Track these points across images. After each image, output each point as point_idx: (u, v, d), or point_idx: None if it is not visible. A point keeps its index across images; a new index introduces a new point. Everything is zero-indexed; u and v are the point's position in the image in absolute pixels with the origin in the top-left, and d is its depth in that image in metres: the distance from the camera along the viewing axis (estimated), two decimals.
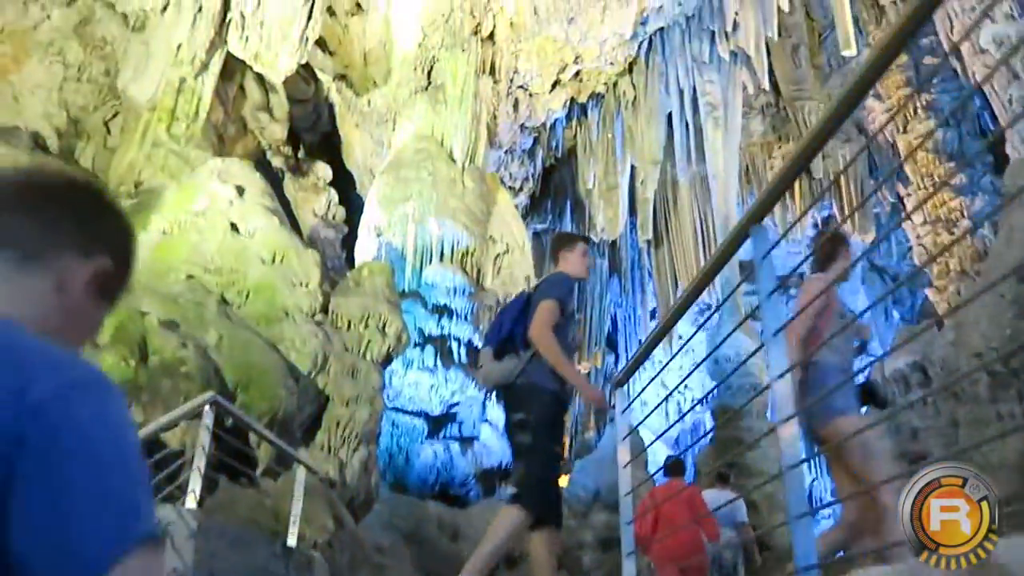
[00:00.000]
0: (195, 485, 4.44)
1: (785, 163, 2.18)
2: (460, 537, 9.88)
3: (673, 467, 6.16)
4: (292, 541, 5.41)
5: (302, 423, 7.17)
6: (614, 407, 3.85)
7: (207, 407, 4.63)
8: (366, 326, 7.66)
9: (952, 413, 9.00)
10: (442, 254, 10.81)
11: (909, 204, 17.63)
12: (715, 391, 13.19)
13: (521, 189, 16.16)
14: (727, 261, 2.57)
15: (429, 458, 10.16)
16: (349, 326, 7.63)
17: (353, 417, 7.24)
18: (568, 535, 10.32)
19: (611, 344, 19.93)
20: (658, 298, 19.81)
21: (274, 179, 13.09)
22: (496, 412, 10.71)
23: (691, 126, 14.70)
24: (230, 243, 7.34)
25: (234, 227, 7.54)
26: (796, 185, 19.25)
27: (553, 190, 18.00)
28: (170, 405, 5.75)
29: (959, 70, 17.63)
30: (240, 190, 7.84)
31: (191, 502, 4.45)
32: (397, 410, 10.35)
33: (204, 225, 7.39)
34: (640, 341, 20.81)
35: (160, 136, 9.13)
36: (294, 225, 12.97)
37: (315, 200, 13.42)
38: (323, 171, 13.29)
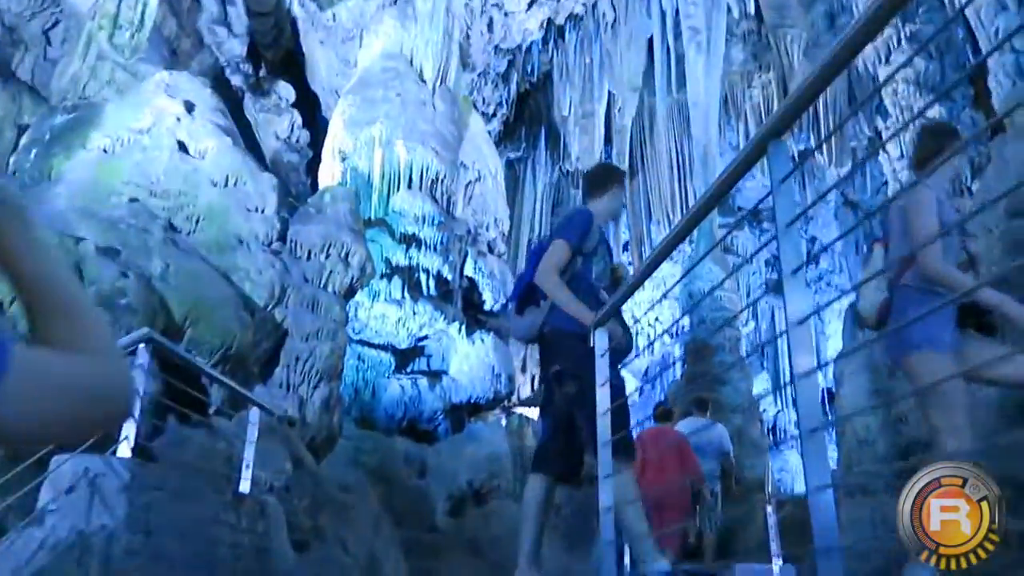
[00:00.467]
0: (128, 431, 3.93)
1: (821, 63, 1.69)
2: (427, 472, 9.53)
3: (661, 414, 6.19)
4: (245, 487, 4.94)
5: (258, 359, 6.66)
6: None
7: (142, 346, 4.09)
8: (327, 256, 7.09)
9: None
10: (410, 180, 10.18)
11: (887, 138, 17.17)
12: (689, 324, 12.83)
13: (494, 115, 15.42)
14: (736, 182, 2.15)
15: (396, 393, 9.72)
16: (309, 255, 7.05)
17: (314, 352, 6.73)
18: None
19: None
20: (631, 230, 19.36)
21: (233, 98, 12.26)
22: (465, 345, 10.27)
23: (672, 51, 13.98)
24: (178, 164, 6.67)
25: (182, 146, 6.85)
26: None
27: (527, 117, 17.26)
28: None
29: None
30: (189, 106, 7.12)
31: (124, 450, 3.94)
32: (363, 343, 9.85)
33: (149, 144, 6.70)
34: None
35: (104, 48, 8.30)
36: (254, 147, 12.21)
37: (277, 122, 12.62)
38: (286, 91, 12.47)
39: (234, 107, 12.22)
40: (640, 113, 17.17)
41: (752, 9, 14.44)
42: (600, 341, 3.27)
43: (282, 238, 7.10)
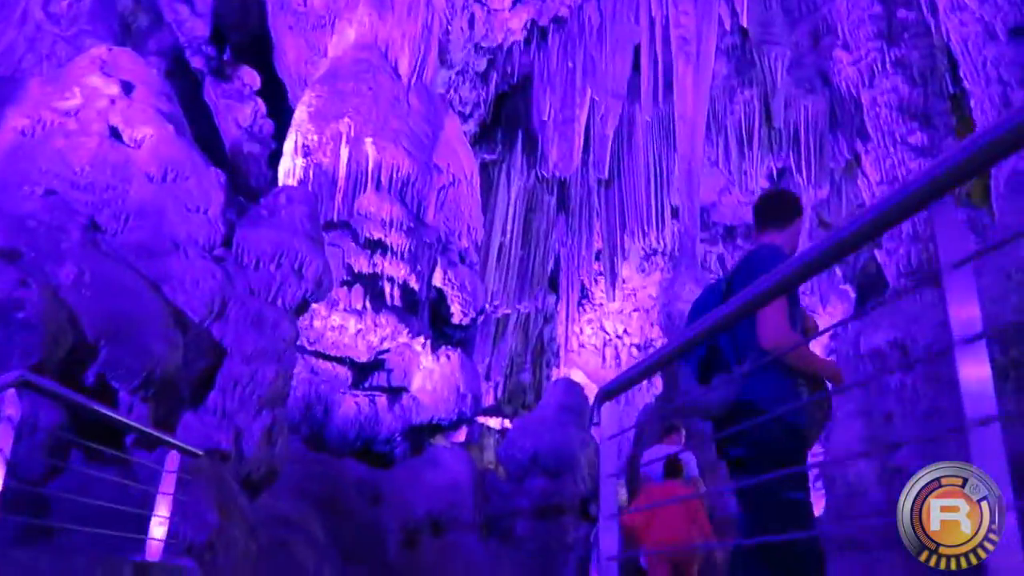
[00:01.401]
0: None
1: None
2: (381, 501, 8.57)
3: (672, 468, 5.51)
4: (155, 550, 3.96)
5: (191, 381, 5.66)
6: (597, 423, 2.91)
7: (11, 391, 3.09)
8: (278, 265, 6.09)
9: (934, 400, 7.95)
10: (379, 181, 9.19)
11: (867, 161, 16.54)
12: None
13: (470, 115, 14.46)
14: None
15: (351, 411, 8.73)
16: (257, 265, 6.05)
17: (255, 376, 5.74)
18: (501, 501, 9.11)
19: (553, 285, 18.62)
20: (604, 240, 18.52)
21: (192, 82, 11.16)
22: (429, 361, 9.31)
23: (660, 61, 13.14)
24: (108, 153, 5.62)
25: (115, 133, 5.81)
26: (756, 134, 18.01)
27: (505, 119, 16.32)
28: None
29: (932, 27, 16.49)
30: (128, 87, 6.07)
31: None
32: (318, 355, 8.86)
33: (75, 128, 5.64)
34: (583, 284, 19.60)
35: (38, 16, 7.21)
36: (211, 137, 11.13)
37: (239, 109, 11.53)
38: (250, 77, 11.39)
39: (193, 92, 11.11)
40: (621, 122, 16.33)
41: (743, 22, 13.67)
42: (607, 417, 2.63)
43: (227, 243, 6.09)
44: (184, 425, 5.57)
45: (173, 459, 4.09)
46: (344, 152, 9.20)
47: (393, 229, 8.99)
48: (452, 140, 10.33)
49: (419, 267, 9.07)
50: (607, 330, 19.62)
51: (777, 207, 2.47)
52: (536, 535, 8.78)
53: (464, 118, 14.01)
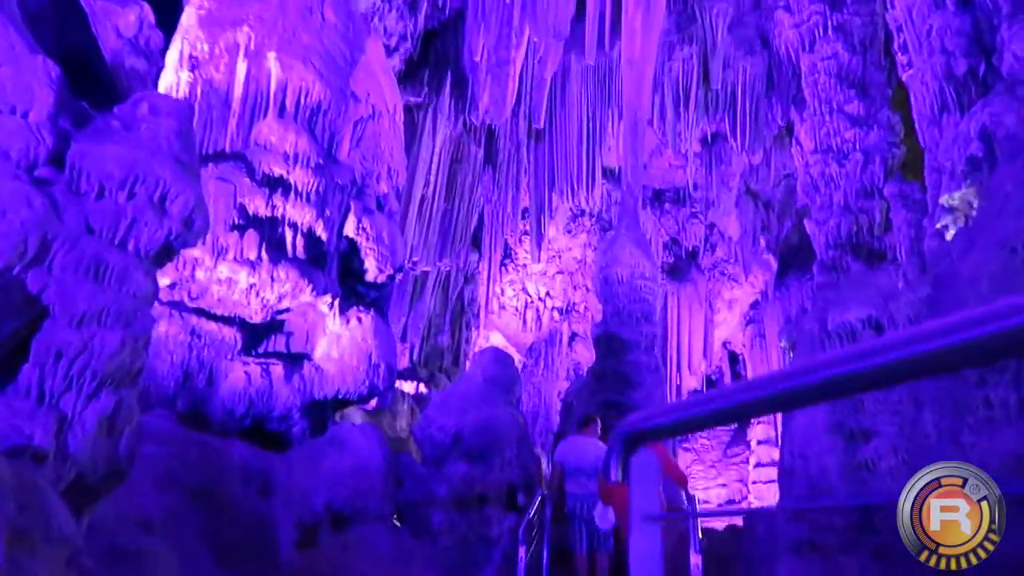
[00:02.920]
0: None
1: None
2: (272, 491, 6.92)
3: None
4: None
5: None
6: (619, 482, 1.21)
7: None
8: (131, 195, 4.33)
9: (914, 389, 6.83)
10: (282, 106, 7.38)
11: (802, 129, 15.52)
12: (602, 314, 10.58)
13: (396, 49, 12.60)
14: None
15: (240, 382, 7.01)
16: (101, 192, 4.28)
17: (90, 345, 4.03)
18: (416, 487, 7.61)
19: (476, 242, 17.04)
20: (531, 197, 17.03)
21: None
22: (337, 324, 7.64)
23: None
24: None
25: None
26: (693, 95, 16.77)
27: (433, 59, 14.48)
28: None
29: None
30: None
31: None
32: (200, 313, 7.07)
33: None
34: (507, 243, 18.07)
35: None
36: (92, 50, 9.03)
37: (120, 14, 9.38)
38: None
39: None
40: (554, 73, 14.77)
41: None
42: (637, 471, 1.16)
43: (57, 161, 4.27)
44: None
45: None
46: (241, 68, 7.33)
47: (298, 165, 7.21)
48: (374, 66, 8.54)
49: (328, 212, 7.35)
50: (529, 292, 18.24)
51: None
52: (454, 528, 7.33)
53: (388, 52, 12.15)
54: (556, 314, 18.37)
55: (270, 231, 7.08)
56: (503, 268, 17.86)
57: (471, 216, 16.15)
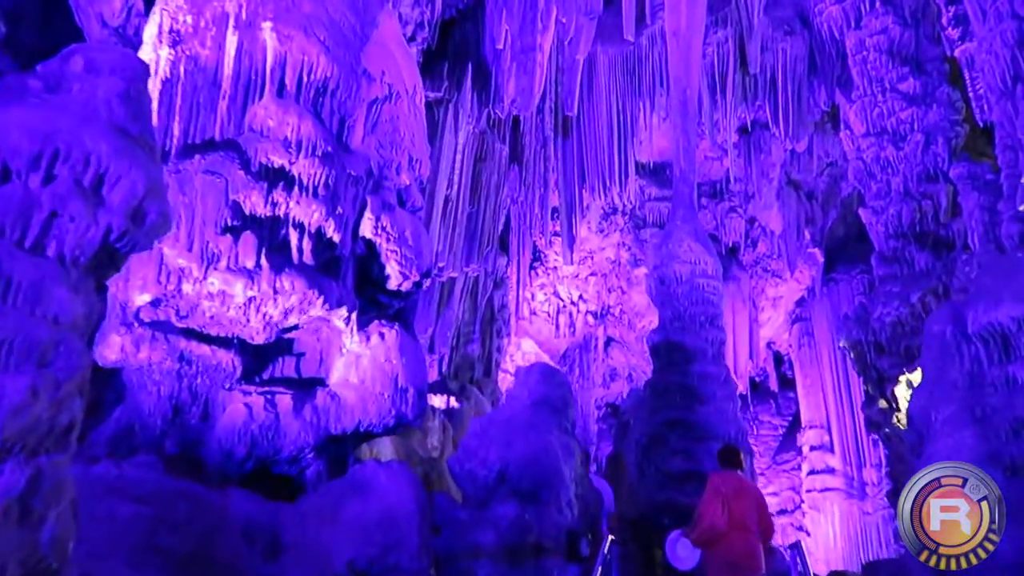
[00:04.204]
0: None
1: None
2: (282, 551, 5.47)
3: (730, 457, 4.45)
4: None
5: None
6: None
7: None
8: (48, 177, 2.94)
9: None
10: (282, 84, 5.96)
11: (851, 111, 13.90)
12: (658, 320, 9.05)
13: (413, 38, 11.18)
14: None
15: (240, 416, 5.58)
16: (5, 175, 2.89)
17: None
18: (456, 535, 6.12)
19: (503, 245, 15.56)
20: (561, 196, 15.54)
21: None
22: (356, 343, 6.20)
23: None
24: None
25: None
26: (730, 80, 15.24)
27: (452, 52, 13.06)
28: None
29: None
30: None
31: None
32: (191, 335, 5.65)
33: None
34: (536, 244, 16.56)
35: None
36: (70, 32, 7.78)
37: (104, 2, 8.07)
38: None
39: None
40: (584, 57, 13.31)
41: None
42: None
43: None
44: None
45: None
46: (231, 41, 5.92)
47: (302, 154, 5.79)
48: (389, 43, 7.11)
49: (340, 209, 5.91)
50: (561, 296, 16.74)
51: None
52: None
53: (406, 41, 10.74)
54: (590, 318, 16.86)
55: (271, 233, 5.66)
56: (533, 271, 16.39)
57: (498, 217, 14.68)
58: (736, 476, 4.30)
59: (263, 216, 5.66)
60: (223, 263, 5.49)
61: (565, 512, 6.00)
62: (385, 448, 7.45)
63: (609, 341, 16.80)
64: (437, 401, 14.26)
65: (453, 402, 14.22)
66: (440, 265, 13.21)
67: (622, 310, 16.47)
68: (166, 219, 3.38)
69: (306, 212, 5.76)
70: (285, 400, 5.70)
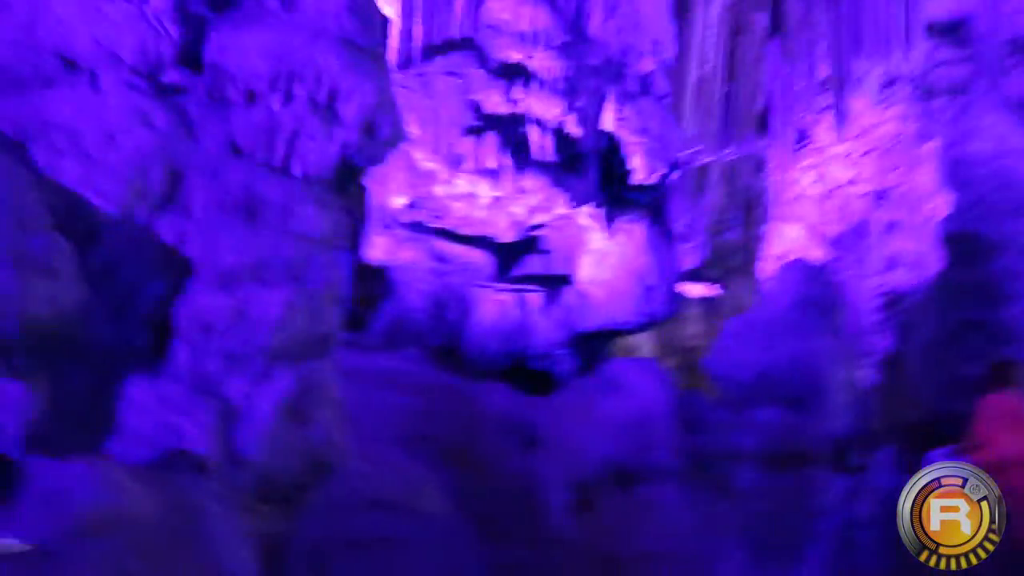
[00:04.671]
0: None
1: None
2: (536, 445, 5.61)
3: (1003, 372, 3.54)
4: None
5: (131, 324, 2.82)
6: None
7: None
8: (288, 98, 2.97)
9: None
10: None
11: None
12: (954, 204, 7.68)
13: None
14: None
15: (493, 313, 5.70)
16: (249, 97, 2.96)
17: (246, 311, 2.77)
18: (712, 436, 5.85)
19: (763, 125, 14.17)
20: (832, 65, 13.65)
21: None
22: (602, 239, 5.99)
23: None
24: None
25: None
26: None
27: None
28: None
29: None
30: None
31: None
32: (444, 235, 5.82)
33: None
34: (801, 123, 14.94)
35: None
36: None
37: None
38: None
39: None
40: None
41: None
42: None
43: (192, 62, 3.01)
44: (129, 403, 2.77)
45: None
46: None
47: (539, 47, 5.51)
48: None
49: (580, 103, 5.60)
50: (831, 177, 15.02)
51: None
52: (765, 490, 5.52)
53: None
54: (866, 200, 15.02)
55: (511, 132, 5.54)
56: (797, 152, 14.85)
57: (756, 96, 13.35)
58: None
59: (503, 115, 5.54)
60: (468, 164, 5.49)
61: (831, 419, 5.44)
62: (641, 340, 7.28)
63: (890, 226, 14.90)
64: (696, 290, 13.78)
65: (713, 290, 13.68)
66: (694, 150, 12.44)
67: (904, 192, 14.42)
68: (398, 130, 3.33)
69: (546, 108, 5.54)
70: (534, 297, 5.70)
